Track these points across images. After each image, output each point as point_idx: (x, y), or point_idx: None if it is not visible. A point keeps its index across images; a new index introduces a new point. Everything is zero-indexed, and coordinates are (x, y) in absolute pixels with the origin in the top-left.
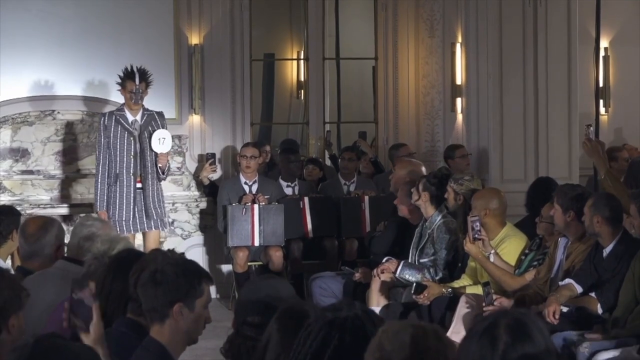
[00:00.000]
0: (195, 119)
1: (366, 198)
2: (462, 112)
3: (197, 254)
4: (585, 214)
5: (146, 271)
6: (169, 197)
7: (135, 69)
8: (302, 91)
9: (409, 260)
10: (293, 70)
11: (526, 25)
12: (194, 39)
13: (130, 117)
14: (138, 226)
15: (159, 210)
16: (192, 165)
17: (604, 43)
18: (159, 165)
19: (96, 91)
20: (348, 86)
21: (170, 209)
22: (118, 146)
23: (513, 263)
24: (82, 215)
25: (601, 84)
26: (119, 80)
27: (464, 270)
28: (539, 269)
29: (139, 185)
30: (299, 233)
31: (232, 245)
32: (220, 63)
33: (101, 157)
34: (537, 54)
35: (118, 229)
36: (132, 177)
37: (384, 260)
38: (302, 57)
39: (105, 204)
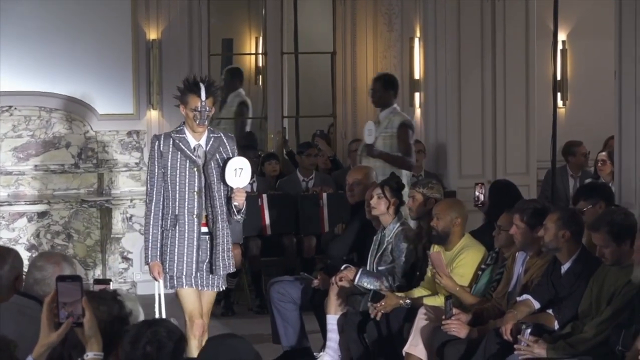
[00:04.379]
0: (154, 114)
1: (324, 195)
2: (420, 106)
3: None
4: (547, 228)
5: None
6: (126, 193)
7: (200, 80)
8: (261, 77)
9: (367, 268)
10: (251, 57)
11: (484, 19)
12: (152, 34)
13: (192, 142)
14: (199, 281)
15: (226, 262)
16: None
17: (561, 36)
18: (235, 203)
19: (54, 87)
20: (306, 80)
21: (129, 205)
22: (178, 179)
23: (470, 275)
24: (35, 254)
25: (559, 77)
26: (178, 94)
27: (422, 279)
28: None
29: (204, 229)
30: (257, 230)
31: None
32: (179, 58)
33: (154, 193)
34: (495, 49)
35: (176, 284)
36: (195, 219)
37: (342, 268)
38: (260, 43)
39: (158, 253)
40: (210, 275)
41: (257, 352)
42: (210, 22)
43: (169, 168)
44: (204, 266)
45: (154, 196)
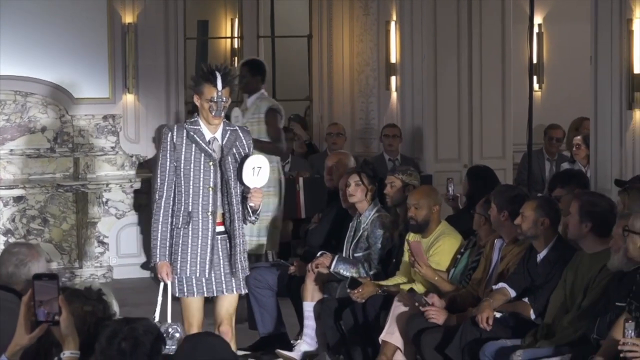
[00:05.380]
0: (129, 98)
1: (300, 179)
2: (396, 90)
3: (131, 233)
4: (525, 216)
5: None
6: (102, 177)
7: (216, 69)
8: (236, 58)
9: (343, 255)
10: (227, 40)
11: (460, 3)
12: (128, 18)
13: (207, 135)
14: (214, 287)
15: (244, 264)
16: (126, 145)
17: (537, 20)
18: (251, 204)
19: (29, 71)
20: (282, 64)
21: (105, 189)
22: (192, 174)
23: (447, 262)
24: (11, 239)
25: (535, 61)
26: (192, 83)
27: (398, 266)
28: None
29: (219, 228)
30: None
31: None
32: (155, 42)
33: (165, 188)
34: (472, 33)
35: (186, 292)
36: (210, 217)
37: (318, 255)
38: (236, 25)
39: (167, 252)
40: (230, 278)
41: (234, 352)
42: (185, 5)
43: (183, 162)
44: (221, 269)
45: (165, 191)
